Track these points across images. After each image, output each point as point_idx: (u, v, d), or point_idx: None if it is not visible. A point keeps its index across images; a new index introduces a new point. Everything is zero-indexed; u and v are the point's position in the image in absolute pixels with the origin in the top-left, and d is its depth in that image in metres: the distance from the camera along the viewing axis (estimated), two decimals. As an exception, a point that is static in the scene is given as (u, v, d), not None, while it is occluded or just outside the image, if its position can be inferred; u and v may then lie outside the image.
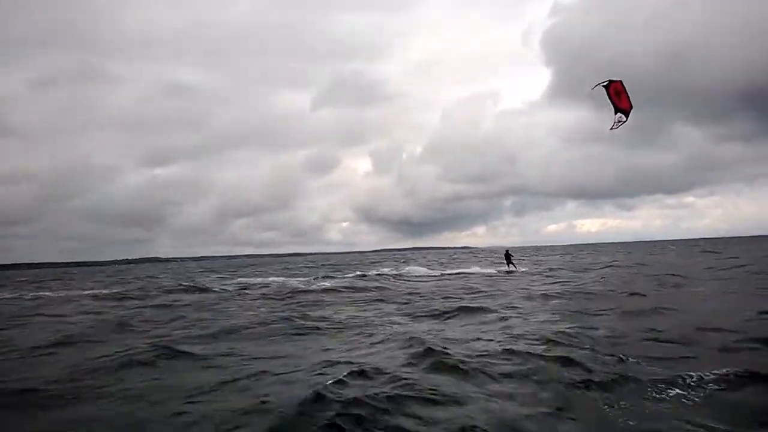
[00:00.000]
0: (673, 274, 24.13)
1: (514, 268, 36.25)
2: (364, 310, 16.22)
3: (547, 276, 29.26)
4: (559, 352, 8.67)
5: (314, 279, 33.60)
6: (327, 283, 28.24)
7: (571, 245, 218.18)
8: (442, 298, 18.62)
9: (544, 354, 8.47)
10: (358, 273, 39.11)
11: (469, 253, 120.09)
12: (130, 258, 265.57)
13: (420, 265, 48.08)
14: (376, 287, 25.17)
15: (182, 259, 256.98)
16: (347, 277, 34.30)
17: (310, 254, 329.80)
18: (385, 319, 13.99)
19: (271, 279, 35.51)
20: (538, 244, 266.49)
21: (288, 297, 21.40)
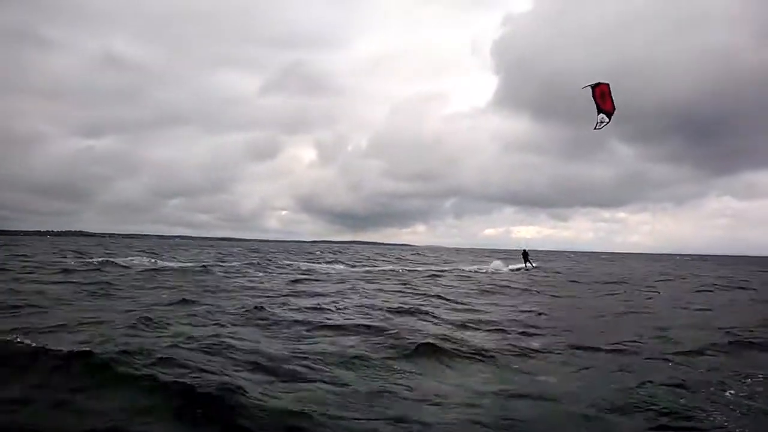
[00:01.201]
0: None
1: (531, 266, 38.84)
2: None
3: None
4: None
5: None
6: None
7: (507, 250, 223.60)
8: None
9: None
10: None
11: (414, 252, 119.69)
12: (54, 230, 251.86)
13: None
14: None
15: (111, 235, 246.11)
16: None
17: (246, 240, 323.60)
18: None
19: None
20: (476, 247, 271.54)
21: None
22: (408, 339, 9.24)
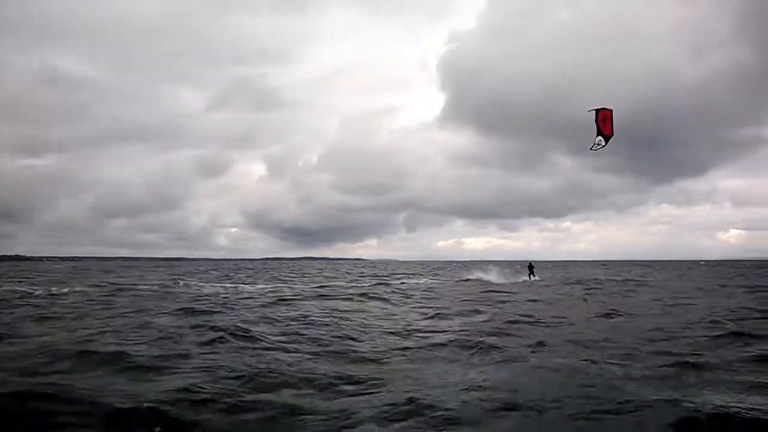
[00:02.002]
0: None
1: (535, 278, 39.60)
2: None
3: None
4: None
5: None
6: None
7: (460, 261, 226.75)
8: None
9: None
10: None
11: (368, 266, 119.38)
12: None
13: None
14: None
15: (48, 258, 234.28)
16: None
17: (195, 259, 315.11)
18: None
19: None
20: (429, 259, 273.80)
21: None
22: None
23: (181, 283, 35.59)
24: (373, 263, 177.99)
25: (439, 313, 16.31)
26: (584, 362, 8.30)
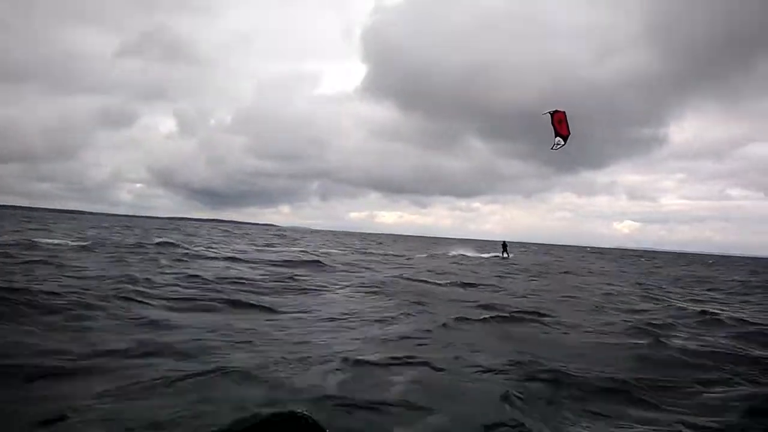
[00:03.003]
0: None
1: (507, 256, 44.10)
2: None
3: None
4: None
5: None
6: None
7: (371, 233, 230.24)
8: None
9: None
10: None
11: (283, 234, 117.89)
12: None
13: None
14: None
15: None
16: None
17: (93, 213, 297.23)
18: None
19: None
20: (341, 230, 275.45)
21: None
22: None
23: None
24: (284, 230, 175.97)
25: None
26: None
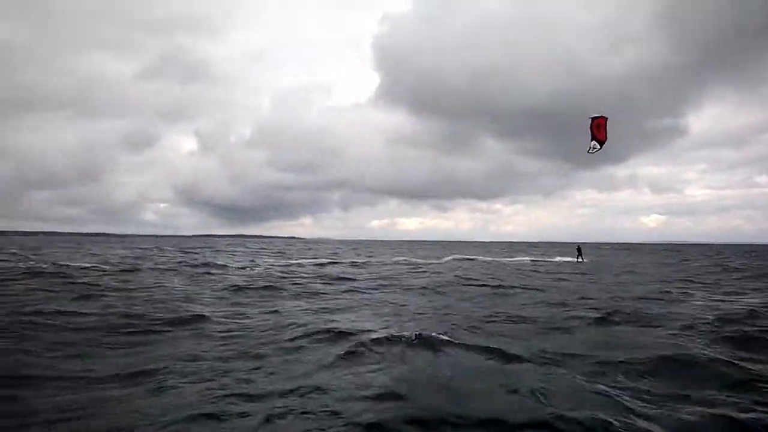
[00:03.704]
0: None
1: (582, 259, 46.10)
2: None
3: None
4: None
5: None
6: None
7: (395, 241, 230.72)
8: None
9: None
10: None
11: (309, 244, 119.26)
12: None
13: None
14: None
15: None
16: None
17: (120, 235, 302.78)
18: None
19: None
20: (363, 238, 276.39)
21: None
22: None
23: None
24: (308, 242, 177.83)
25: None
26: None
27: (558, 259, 47.70)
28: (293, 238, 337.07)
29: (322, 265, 34.14)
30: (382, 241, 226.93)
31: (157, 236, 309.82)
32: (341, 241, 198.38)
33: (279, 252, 58.49)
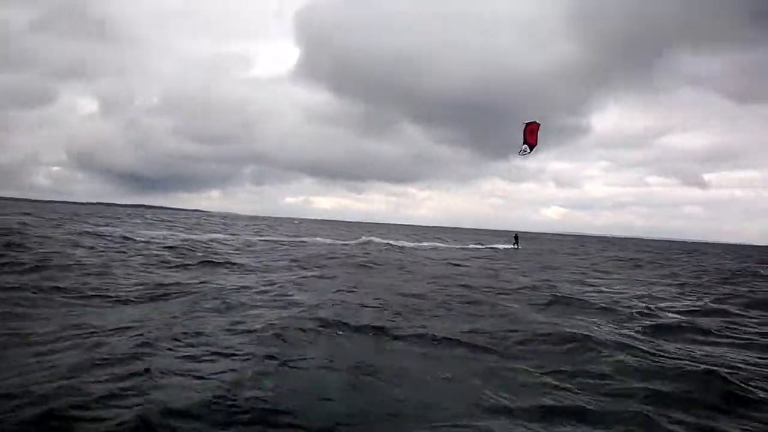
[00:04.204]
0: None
1: (518, 246, 48.98)
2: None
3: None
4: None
5: None
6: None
7: (308, 219, 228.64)
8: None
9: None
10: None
11: (220, 221, 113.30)
12: None
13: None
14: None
15: None
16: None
17: (7, 198, 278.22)
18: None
19: None
20: (275, 215, 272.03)
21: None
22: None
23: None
24: (218, 216, 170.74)
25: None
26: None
27: (501, 246, 50.19)
28: (199, 211, 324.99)
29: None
30: (296, 218, 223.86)
31: (46, 201, 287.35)
32: (252, 218, 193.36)
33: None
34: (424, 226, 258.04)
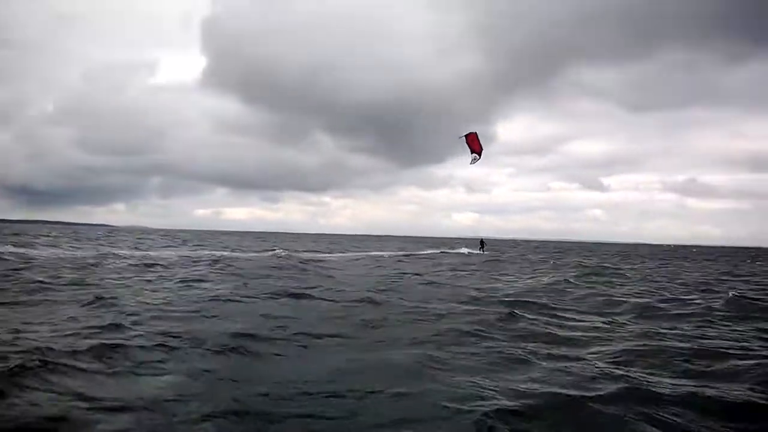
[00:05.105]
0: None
1: (483, 252, 51.40)
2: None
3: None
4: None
5: None
6: None
7: (220, 231, 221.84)
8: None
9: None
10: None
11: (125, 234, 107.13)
12: None
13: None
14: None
15: None
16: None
17: None
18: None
19: None
20: (186, 228, 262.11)
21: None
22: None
23: None
24: (120, 230, 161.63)
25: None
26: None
27: (464, 250, 52.92)
28: (106, 225, 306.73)
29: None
30: (206, 231, 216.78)
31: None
32: (157, 230, 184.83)
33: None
34: (342, 235, 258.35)
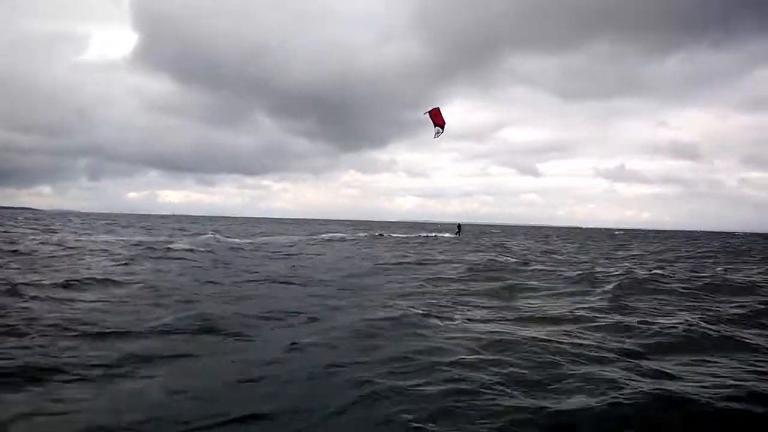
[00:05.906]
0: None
1: (460, 234, 54.94)
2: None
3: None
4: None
5: None
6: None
7: (154, 215, 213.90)
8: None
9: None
10: None
11: (53, 218, 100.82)
12: None
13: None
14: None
15: None
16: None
17: None
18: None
19: None
20: (118, 212, 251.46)
21: None
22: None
23: None
24: (45, 214, 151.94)
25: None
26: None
27: (447, 235, 54.80)
28: (27, 209, 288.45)
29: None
30: (140, 215, 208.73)
31: None
32: (87, 214, 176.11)
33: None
34: (282, 219, 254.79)
